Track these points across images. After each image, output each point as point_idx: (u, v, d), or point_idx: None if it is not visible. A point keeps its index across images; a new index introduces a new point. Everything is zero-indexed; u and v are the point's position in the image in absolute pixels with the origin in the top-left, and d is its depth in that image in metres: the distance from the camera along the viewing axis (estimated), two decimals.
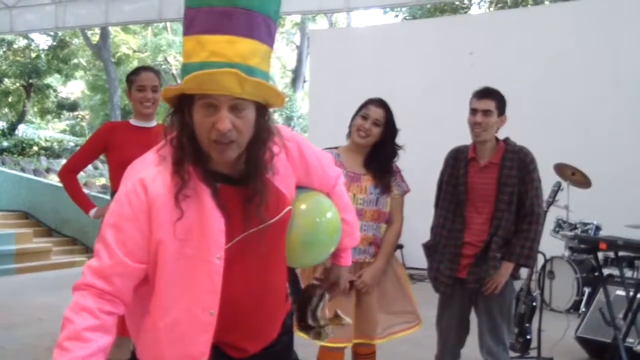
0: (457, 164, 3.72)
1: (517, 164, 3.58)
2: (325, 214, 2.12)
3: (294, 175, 2.01)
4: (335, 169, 2.26)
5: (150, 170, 1.80)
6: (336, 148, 3.66)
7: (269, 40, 1.80)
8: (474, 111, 3.61)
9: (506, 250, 3.58)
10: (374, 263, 3.55)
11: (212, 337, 1.82)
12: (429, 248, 3.79)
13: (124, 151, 3.77)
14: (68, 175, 4.02)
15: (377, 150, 3.59)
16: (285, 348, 2.10)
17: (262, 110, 1.80)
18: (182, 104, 1.78)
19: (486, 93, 3.64)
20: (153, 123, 3.94)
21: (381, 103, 3.60)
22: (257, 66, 1.75)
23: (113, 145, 3.84)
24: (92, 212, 3.91)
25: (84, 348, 1.68)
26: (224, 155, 1.77)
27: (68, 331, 1.70)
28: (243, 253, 1.85)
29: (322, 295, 2.13)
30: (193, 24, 1.75)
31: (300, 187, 2.06)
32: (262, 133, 1.82)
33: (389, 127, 3.57)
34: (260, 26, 1.75)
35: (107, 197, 3.92)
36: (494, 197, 3.58)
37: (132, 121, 3.94)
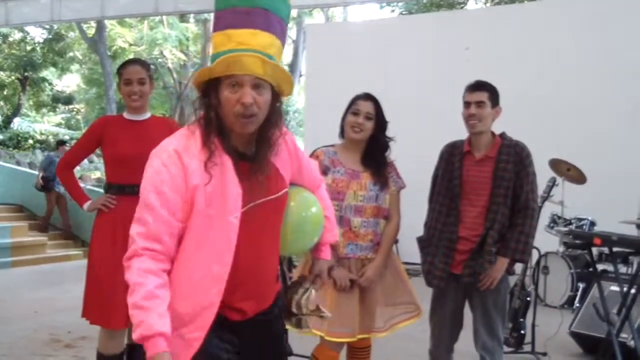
0: (451, 158, 3.73)
1: (513, 158, 3.59)
2: (310, 208, 2.41)
3: (290, 165, 2.31)
4: (319, 173, 2.61)
5: (182, 142, 2.09)
6: (332, 146, 3.68)
7: (282, 38, 2.14)
8: (467, 104, 3.65)
9: (501, 245, 3.59)
10: (376, 259, 3.58)
11: (222, 290, 2.06)
12: (422, 242, 3.80)
13: (119, 144, 3.78)
14: (65, 169, 4.02)
15: (371, 144, 3.62)
16: (276, 318, 2.35)
17: (275, 95, 2.12)
18: (209, 88, 2.08)
19: (478, 86, 3.67)
20: (146, 115, 3.93)
21: (369, 97, 3.63)
22: (274, 56, 2.09)
23: (108, 138, 3.83)
24: (87, 205, 3.91)
25: (161, 304, 1.95)
26: (245, 128, 2.07)
27: (141, 292, 1.94)
28: (249, 221, 2.10)
29: (308, 288, 2.33)
30: (220, 22, 2.11)
31: (291, 184, 2.32)
32: (274, 115, 2.14)
33: (380, 120, 3.60)
34: (275, 24, 2.11)
35: (102, 190, 3.91)
36: (489, 190, 3.59)
37: (126, 115, 3.93)
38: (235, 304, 2.14)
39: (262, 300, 2.24)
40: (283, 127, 2.21)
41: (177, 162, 2.03)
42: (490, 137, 3.69)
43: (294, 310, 2.27)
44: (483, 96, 3.61)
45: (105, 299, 3.66)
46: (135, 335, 1.93)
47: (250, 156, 2.14)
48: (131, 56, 26.07)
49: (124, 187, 3.77)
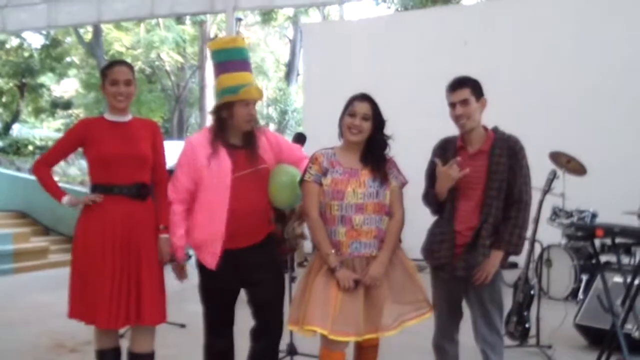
0: (445, 154, 3.71)
1: (507, 152, 3.59)
2: (293, 175, 3.72)
3: (271, 151, 3.80)
4: (301, 152, 4.07)
5: (198, 139, 3.75)
6: (332, 148, 3.68)
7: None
8: (452, 105, 3.65)
9: (495, 238, 3.59)
10: (379, 256, 3.55)
11: (224, 225, 3.60)
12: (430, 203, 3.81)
13: (101, 145, 3.72)
14: (43, 168, 3.90)
15: (370, 144, 3.62)
16: (268, 244, 3.79)
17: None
18: (221, 108, 3.70)
19: (458, 84, 3.66)
20: (128, 117, 3.87)
21: (365, 97, 3.62)
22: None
23: (89, 140, 3.77)
24: (65, 199, 3.82)
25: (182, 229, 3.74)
26: (249, 127, 3.71)
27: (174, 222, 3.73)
28: (241, 184, 3.62)
29: (293, 223, 3.77)
30: (221, 68, 3.75)
31: (279, 163, 3.82)
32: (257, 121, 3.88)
33: (377, 120, 3.60)
34: (250, 65, 3.84)
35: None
36: (483, 184, 3.59)
37: (107, 116, 3.87)
38: (234, 238, 3.63)
39: (253, 237, 3.71)
40: (261, 128, 3.88)
41: (192, 151, 3.67)
42: (482, 132, 3.69)
43: (286, 236, 3.53)
44: (465, 93, 3.61)
45: (91, 298, 3.64)
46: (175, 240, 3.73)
47: (240, 145, 3.71)
48: (129, 60, 26.04)
49: (112, 188, 3.72)
